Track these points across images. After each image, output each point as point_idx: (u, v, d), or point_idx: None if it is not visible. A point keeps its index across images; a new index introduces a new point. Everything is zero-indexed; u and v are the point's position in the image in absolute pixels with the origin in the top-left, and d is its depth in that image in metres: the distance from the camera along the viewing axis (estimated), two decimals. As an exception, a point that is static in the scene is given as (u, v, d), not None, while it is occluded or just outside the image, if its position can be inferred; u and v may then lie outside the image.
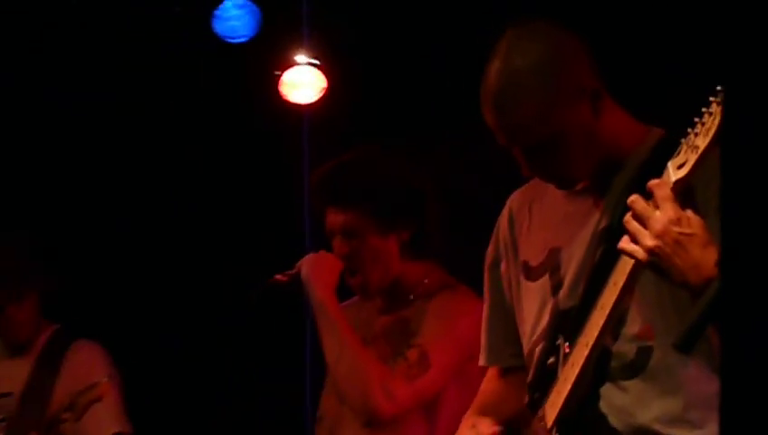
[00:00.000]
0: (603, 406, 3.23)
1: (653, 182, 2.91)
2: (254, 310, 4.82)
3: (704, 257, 2.89)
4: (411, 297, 4.59)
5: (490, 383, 3.73)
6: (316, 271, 4.55)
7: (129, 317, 6.35)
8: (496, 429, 3.47)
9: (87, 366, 5.28)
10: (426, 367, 4.39)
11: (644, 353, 3.24)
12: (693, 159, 2.86)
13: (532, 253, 3.50)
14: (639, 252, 2.90)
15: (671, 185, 2.89)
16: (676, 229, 2.87)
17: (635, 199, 2.92)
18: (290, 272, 4.61)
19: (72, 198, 6.62)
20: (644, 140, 3.31)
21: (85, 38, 6.38)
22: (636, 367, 3.25)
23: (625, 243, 2.94)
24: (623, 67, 3.48)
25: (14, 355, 5.40)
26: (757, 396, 1.79)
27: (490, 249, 3.68)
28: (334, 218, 4.58)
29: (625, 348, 3.24)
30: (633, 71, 3.56)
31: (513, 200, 3.63)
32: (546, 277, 3.44)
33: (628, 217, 2.93)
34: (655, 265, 2.92)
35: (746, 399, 1.79)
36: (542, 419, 3.32)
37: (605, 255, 3.21)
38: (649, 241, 2.87)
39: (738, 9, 1.72)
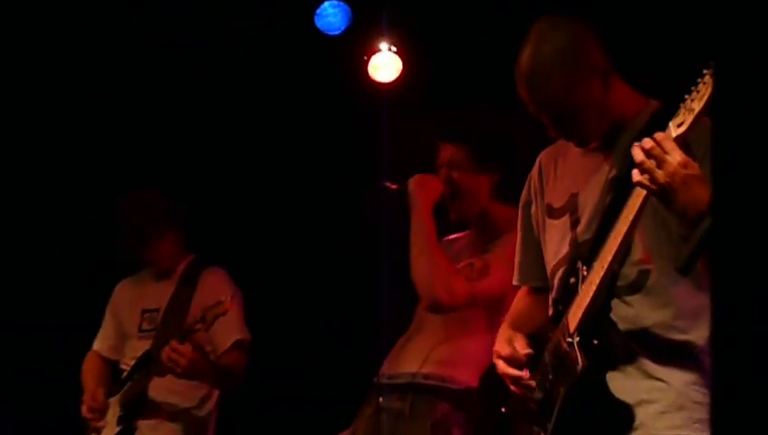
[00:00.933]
0: (614, 316, 3.30)
1: (659, 135, 3.03)
2: (367, 206, 4.90)
3: (701, 195, 2.98)
4: (495, 236, 4.70)
5: (521, 300, 3.84)
6: (421, 186, 4.69)
7: (247, 248, 6.32)
8: (529, 351, 3.52)
9: (215, 287, 5.31)
10: (485, 275, 4.55)
11: (643, 275, 3.35)
12: (690, 118, 2.99)
13: (556, 197, 3.61)
14: (653, 186, 3.02)
15: (673, 138, 3.02)
16: (683, 171, 2.98)
17: (653, 146, 3.01)
18: (399, 183, 4.76)
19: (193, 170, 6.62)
20: (644, 109, 3.44)
21: (214, 29, 6.37)
22: (637, 286, 3.35)
23: (641, 178, 3.04)
24: (628, 52, 3.55)
25: (160, 280, 5.47)
26: (743, 311, 1.88)
27: (524, 194, 3.78)
28: (443, 152, 4.73)
29: (629, 271, 3.34)
30: (636, 55, 3.65)
31: (542, 156, 3.74)
32: (567, 216, 3.54)
33: (643, 157, 3.02)
34: (664, 197, 3.05)
35: (735, 314, 1.84)
36: (566, 327, 3.36)
37: (614, 198, 3.32)
38: (662, 178, 2.99)
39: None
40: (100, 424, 5.16)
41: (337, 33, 6.19)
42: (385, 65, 6.18)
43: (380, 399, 4.69)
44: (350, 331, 5.84)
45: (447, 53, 6.02)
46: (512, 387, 3.54)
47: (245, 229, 6.54)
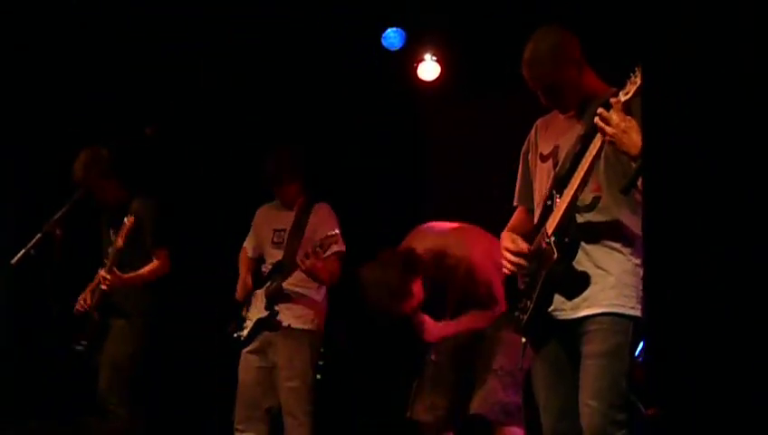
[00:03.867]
0: (582, 225, 3.33)
1: (612, 99, 3.12)
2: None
3: (638, 139, 3.04)
4: None
5: (518, 216, 3.75)
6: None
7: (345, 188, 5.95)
8: (527, 245, 3.47)
9: (323, 217, 5.18)
10: None
11: (596, 199, 3.37)
12: (632, 89, 3.06)
13: (545, 147, 3.59)
14: (606, 136, 3.12)
15: (621, 101, 3.09)
16: (623, 124, 3.07)
17: (601, 110, 3.12)
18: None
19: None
20: (605, 90, 3.39)
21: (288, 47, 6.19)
22: (591, 206, 3.37)
23: (599, 128, 3.12)
24: (596, 52, 3.54)
25: (286, 210, 5.28)
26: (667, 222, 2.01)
27: (524, 146, 3.72)
28: None
29: (586, 196, 3.35)
30: (601, 53, 3.61)
31: (539, 121, 3.70)
32: (551, 161, 3.53)
33: (597, 118, 3.13)
34: (614, 142, 3.11)
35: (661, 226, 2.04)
36: (545, 232, 3.37)
37: (581, 148, 3.33)
38: (610, 130, 3.09)
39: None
40: (250, 301, 5.17)
41: (397, 48, 6.19)
42: (429, 69, 6.23)
43: None
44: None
45: (473, 59, 5.95)
46: (515, 267, 3.49)
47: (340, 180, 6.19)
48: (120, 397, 5.22)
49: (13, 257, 4.90)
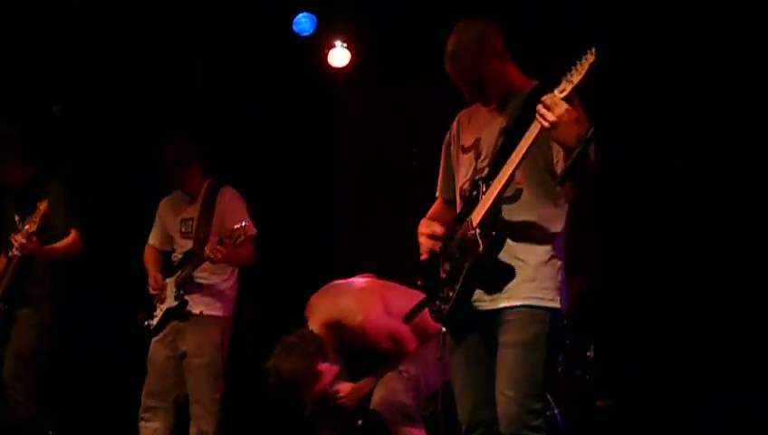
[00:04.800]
0: (504, 217, 3.31)
1: (548, 96, 3.05)
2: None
3: (577, 131, 3.03)
4: None
5: (438, 207, 3.72)
6: None
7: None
8: (443, 230, 3.46)
9: (230, 202, 5.10)
10: None
11: (518, 191, 3.35)
12: (569, 87, 3.03)
13: (466, 139, 3.56)
14: (545, 123, 3.04)
15: (559, 97, 3.03)
16: (568, 114, 3.01)
17: (547, 97, 3.04)
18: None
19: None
20: (528, 84, 3.41)
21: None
22: (514, 198, 3.35)
23: (539, 118, 3.05)
24: (518, 44, 3.51)
25: (190, 198, 5.18)
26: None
27: (446, 138, 3.68)
28: None
29: (510, 189, 3.31)
30: (523, 46, 3.59)
31: (461, 114, 3.66)
32: (472, 152, 3.50)
33: (539, 106, 3.04)
34: (553, 131, 3.06)
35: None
36: (470, 223, 3.32)
37: (504, 140, 3.33)
38: (552, 118, 3.02)
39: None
40: (162, 296, 5.07)
41: (307, 34, 6.15)
42: (339, 56, 6.18)
43: None
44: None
45: (386, 46, 5.94)
46: (432, 250, 3.46)
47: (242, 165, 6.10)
48: (23, 386, 5.08)
49: None
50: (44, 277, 5.17)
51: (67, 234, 5.16)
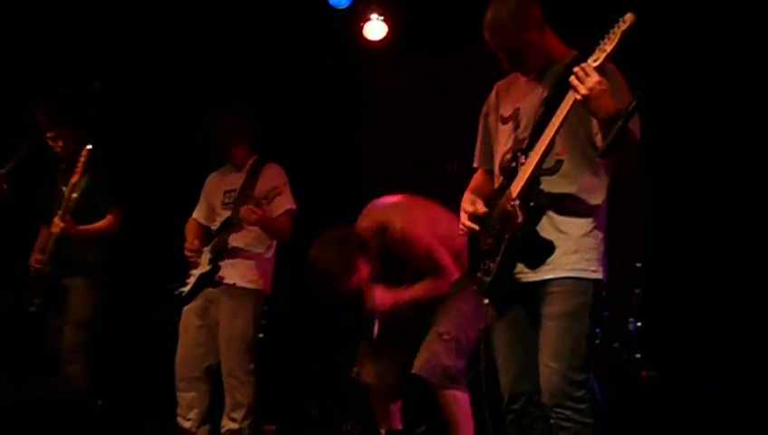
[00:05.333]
0: (545, 188, 3.30)
1: (583, 64, 3.05)
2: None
3: (610, 102, 3.04)
4: None
5: (478, 178, 3.69)
6: None
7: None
8: (485, 209, 3.41)
9: (272, 176, 5.09)
10: None
11: (559, 163, 3.33)
12: (602, 56, 3.03)
13: (505, 110, 3.53)
14: (579, 96, 3.05)
15: (592, 66, 3.04)
16: (599, 86, 3.02)
17: (578, 69, 3.05)
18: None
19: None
20: (567, 54, 3.38)
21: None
22: (554, 170, 3.33)
23: (574, 88, 3.06)
24: (558, 15, 3.50)
25: (237, 171, 5.20)
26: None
27: (484, 109, 3.66)
28: None
29: (550, 160, 3.30)
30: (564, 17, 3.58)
31: (499, 84, 3.64)
32: (511, 123, 3.48)
33: (572, 77, 3.06)
34: (586, 103, 3.06)
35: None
36: (509, 194, 3.31)
37: (545, 110, 3.30)
38: (584, 90, 3.03)
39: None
40: (197, 262, 5.05)
41: (344, 6, 6.12)
42: (375, 29, 6.18)
43: None
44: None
45: (422, 19, 5.91)
46: (470, 230, 3.45)
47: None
48: (82, 356, 5.14)
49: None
50: (92, 249, 5.24)
51: (109, 209, 5.26)
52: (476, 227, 3.42)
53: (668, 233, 5.10)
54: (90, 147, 5.07)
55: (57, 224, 5.07)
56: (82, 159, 5.07)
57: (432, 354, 4.33)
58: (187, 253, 5.04)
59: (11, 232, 4.82)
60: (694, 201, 5.07)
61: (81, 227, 5.16)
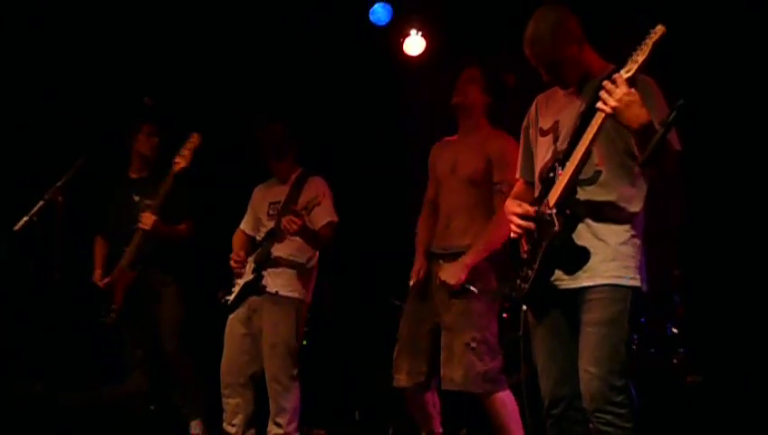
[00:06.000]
0: (578, 197, 3.32)
1: (614, 75, 3.09)
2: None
3: (641, 112, 3.07)
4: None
5: (519, 188, 3.72)
6: None
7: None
8: (532, 208, 3.42)
9: (314, 188, 5.08)
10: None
11: (597, 173, 3.36)
12: (634, 67, 3.06)
13: (545, 122, 3.56)
14: (608, 108, 3.09)
15: (624, 78, 3.07)
16: (627, 97, 3.06)
17: (606, 83, 3.10)
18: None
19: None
20: (605, 67, 3.39)
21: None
22: (593, 180, 3.36)
23: (600, 104, 3.11)
24: (597, 31, 3.53)
25: (282, 184, 5.23)
26: None
27: (525, 122, 3.68)
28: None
29: (588, 169, 3.33)
30: (602, 34, 3.57)
31: (539, 98, 3.66)
32: (551, 135, 3.52)
33: (602, 91, 3.10)
34: (615, 115, 3.10)
35: None
36: (547, 203, 3.34)
37: (581, 123, 3.32)
38: (612, 102, 3.08)
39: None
40: (242, 272, 5.09)
41: (384, 24, 6.19)
42: (414, 44, 6.23)
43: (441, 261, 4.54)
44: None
45: (460, 34, 5.90)
46: (520, 229, 3.45)
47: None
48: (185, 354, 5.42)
49: (15, 224, 4.79)
50: (174, 258, 5.42)
51: (186, 220, 5.45)
52: (532, 225, 3.42)
53: (705, 240, 5.08)
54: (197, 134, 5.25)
55: (148, 218, 5.24)
56: (193, 144, 5.22)
57: (467, 367, 4.33)
58: (233, 264, 5.09)
59: (70, 243, 4.87)
60: (730, 209, 5.04)
61: (167, 227, 5.35)
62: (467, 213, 4.50)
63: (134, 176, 5.56)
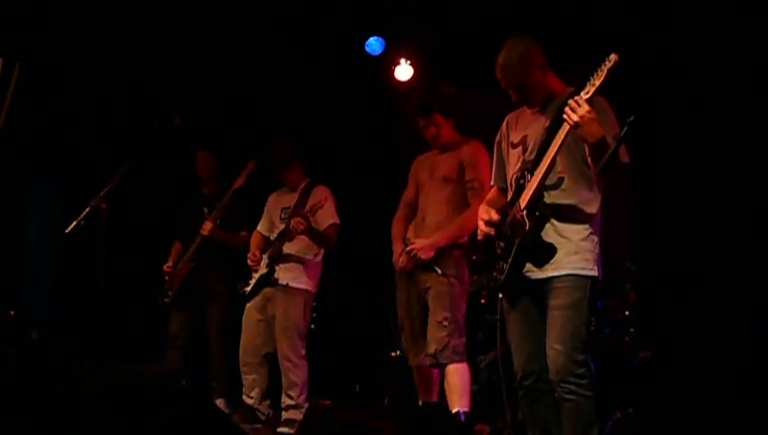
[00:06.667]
0: (545, 201, 3.34)
1: (576, 97, 3.13)
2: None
3: (597, 130, 3.11)
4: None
5: (493, 194, 3.72)
6: None
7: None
8: (499, 217, 3.46)
9: (320, 194, 5.06)
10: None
11: (560, 180, 3.37)
12: (592, 90, 3.09)
13: (515, 137, 3.57)
14: (571, 123, 3.13)
15: (584, 98, 3.10)
16: (588, 115, 3.10)
17: (571, 101, 3.12)
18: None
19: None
20: (566, 90, 3.42)
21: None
22: (557, 186, 3.37)
23: (566, 118, 3.14)
24: (557, 58, 3.54)
25: (291, 192, 5.22)
26: None
27: (497, 137, 3.68)
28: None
29: (553, 177, 3.36)
30: (562, 59, 3.60)
31: (510, 116, 3.66)
32: (520, 147, 3.52)
33: (566, 108, 3.12)
34: (578, 129, 3.13)
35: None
36: (519, 205, 3.37)
37: (546, 137, 3.35)
38: (575, 118, 3.11)
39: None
40: (257, 268, 5.12)
41: (377, 54, 6.14)
42: (403, 71, 6.19)
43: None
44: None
45: (441, 64, 5.86)
46: (487, 234, 3.48)
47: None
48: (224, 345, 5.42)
49: (66, 227, 4.81)
50: (229, 268, 5.46)
51: (241, 228, 5.45)
52: (492, 231, 3.46)
53: (654, 237, 5.09)
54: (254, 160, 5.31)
55: (207, 225, 5.32)
56: (249, 169, 5.31)
57: (439, 342, 4.30)
58: (250, 262, 5.13)
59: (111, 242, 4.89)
60: (675, 209, 5.05)
61: (225, 234, 5.40)
62: (442, 210, 4.44)
63: (205, 191, 5.66)
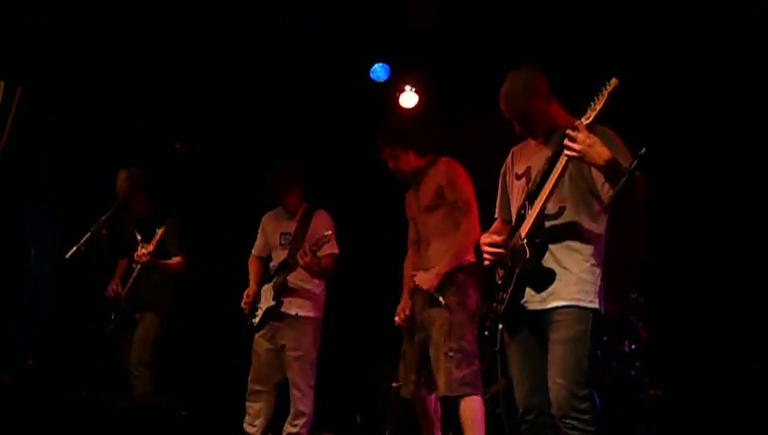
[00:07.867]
0: (546, 230, 3.33)
1: (576, 122, 3.11)
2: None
3: (602, 151, 3.07)
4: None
5: (496, 226, 3.70)
6: None
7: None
8: (502, 239, 3.44)
9: (321, 223, 5.07)
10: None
11: (561, 209, 3.37)
12: (593, 114, 3.07)
13: (519, 168, 3.56)
14: (574, 153, 3.10)
15: (584, 124, 3.09)
16: (588, 140, 3.07)
17: (569, 131, 3.10)
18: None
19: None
20: (570, 120, 3.32)
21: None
22: (557, 215, 3.36)
23: (567, 151, 3.12)
24: (562, 87, 3.52)
25: (290, 216, 5.20)
26: None
27: (502, 169, 3.68)
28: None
29: (554, 207, 3.36)
30: (566, 89, 3.56)
31: (515, 148, 3.66)
32: (524, 179, 3.51)
33: (565, 139, 3.10)
34: (583, 157, 3.10)
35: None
36: (519, 235, 3.35)
37: (548, 168, 3.32)
38: (577, 147, 3.09)
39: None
40: (257, 307, 5.13)
41: (383, 80, 6.20)
42: (409, 99, 6.24)
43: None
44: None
45: (445, 90, 5.93)
46: (491, 256, 3.46)
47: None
48: (147, 373, 5.35)
49: (66, 253, 4.79)
50: (158, 290, 5.45)
51: (177, 255, 5.45)
52: (503, 251, 3.42)
53: (661, 269, 5.07)
54: (162, 230, 5.27)
55: (144, 253, 5.28)
56: (159, 234, 5.26)
57: (447, 373, 4.27)
58: (244, 304, 5.15)
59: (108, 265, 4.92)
60: (683, 242, 5.04)
61: (161, 262, 5.38)
62: (441, 236, 4.45)
63: (139, 216, 5.60)
